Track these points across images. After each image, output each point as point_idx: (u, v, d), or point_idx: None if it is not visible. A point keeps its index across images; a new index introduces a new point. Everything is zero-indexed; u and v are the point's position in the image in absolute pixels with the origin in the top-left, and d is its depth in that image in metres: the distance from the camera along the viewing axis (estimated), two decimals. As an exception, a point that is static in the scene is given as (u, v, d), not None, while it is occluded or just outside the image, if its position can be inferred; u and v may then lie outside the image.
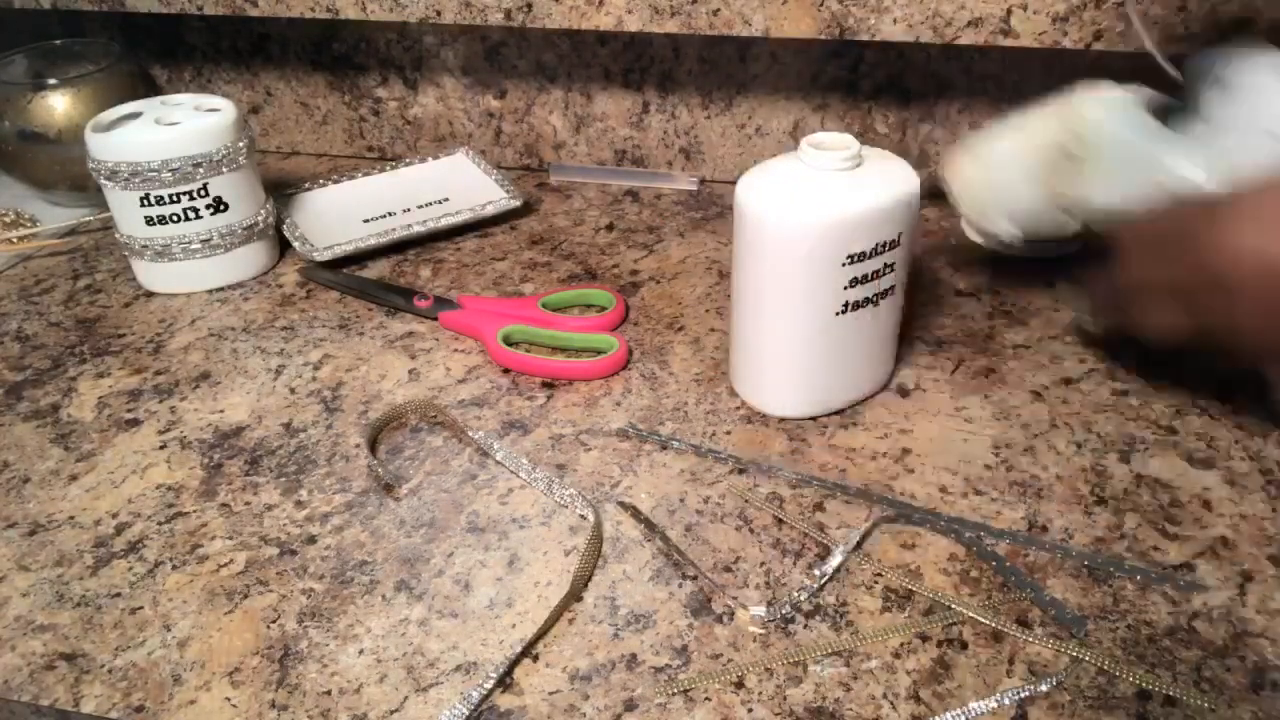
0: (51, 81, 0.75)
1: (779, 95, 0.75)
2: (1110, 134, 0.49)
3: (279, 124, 0.88)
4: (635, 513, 0.48)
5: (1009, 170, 0.54)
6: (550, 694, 0.40)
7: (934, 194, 0.61)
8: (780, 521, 0.47)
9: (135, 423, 0.56)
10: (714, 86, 0.77)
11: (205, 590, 0.45)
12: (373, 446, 0.53)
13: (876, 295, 0.50)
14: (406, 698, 0.40)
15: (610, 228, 0.74)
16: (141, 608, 0.44)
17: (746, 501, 0.49)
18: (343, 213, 0.75)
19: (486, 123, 0.83)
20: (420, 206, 0.75)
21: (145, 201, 0.64)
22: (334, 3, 0.72)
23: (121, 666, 0.42)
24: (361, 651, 0.42)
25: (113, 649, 0.42)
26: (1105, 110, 0.50)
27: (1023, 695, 0.39)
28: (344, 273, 0.69)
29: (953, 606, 0.42)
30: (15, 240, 0.74)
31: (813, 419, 0.54)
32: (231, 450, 0.54)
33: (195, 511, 0.50)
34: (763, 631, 0.42)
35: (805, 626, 0.42)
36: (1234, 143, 0.47)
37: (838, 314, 0.49)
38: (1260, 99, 0.47)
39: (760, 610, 0.42)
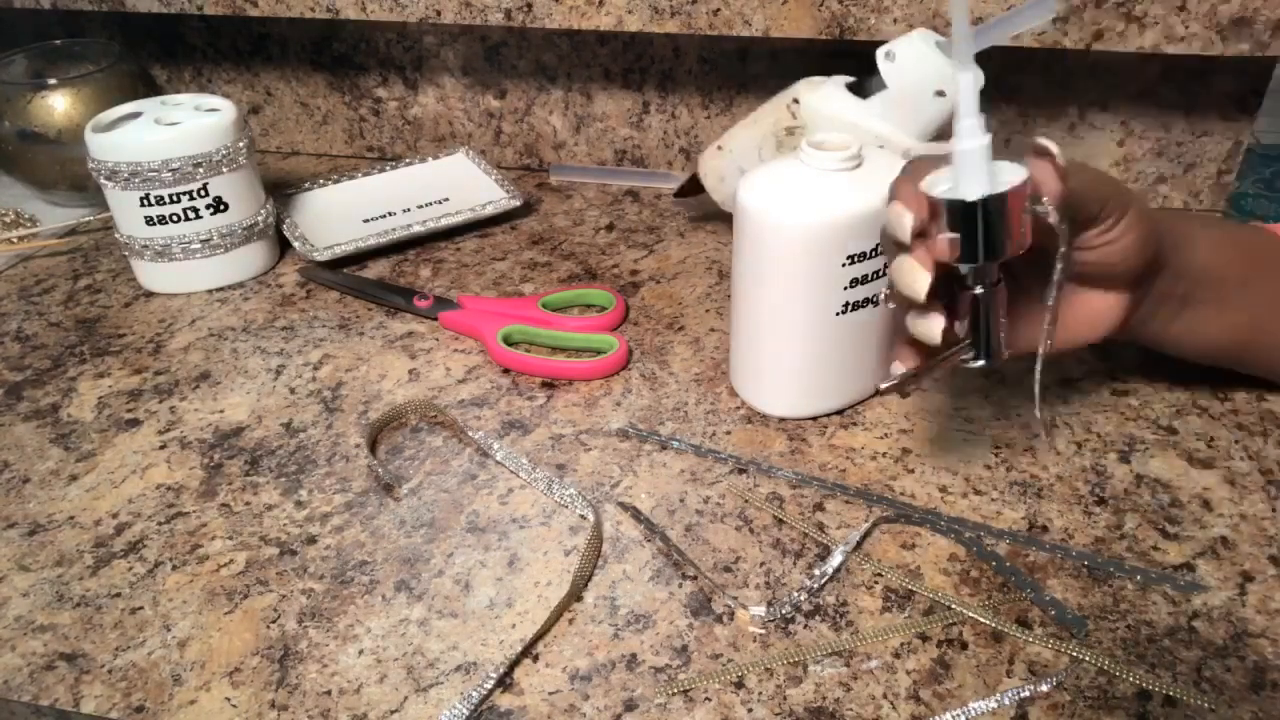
0: (51, 81, 0.75)
1: (779, 95, 0.75)
2: (820, 110, 0.61)
3: (279, 124, 0.88)
4: (635, 513, 0.48)
5: (747, 153, 0.65)
6: (550, 694, 0.40)
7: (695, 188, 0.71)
8: (780, 521, 0.47)
9: (135, 423, 0.56)
10: (714, 86, 0.77)
11: (205, 590, 0.45)
12: (373, 446, 0.53)
13: (876, 295, 0.50)
14: (406, 698, 0.40)
15: (610, 228, 0.74)
16: (141, 608, 0.44)
17: (746, 501, 0.49)
18: (343, 213, 0.75)
19: (486, 123, 0.83)
20: (420, 206, 0.75)
21: (145, 201, 0.64)
22: (334, 3, 0.72)
23: (121, 666, 0.42)
24: (361, 651, 0.42)
25: (113, 649, 0.42)
26: (815, 93, 0.61)
27: (1023, 695, 0.39)
28: (344, 273, 0.69)
29: (953, 606, 0.42)
30: (15, 240, 0.74)
31: (813, 419, 0.54)
32: (231, 450, 0.54)
33: (195, 511, 0.50)
34: (763, 631, 0.42)
35: (805, 626, 0.42)
36: (912, 103, 0.58)
37: (838, 314, 0.50)
38: (923, 65, 0.57)
39: (760, 610, 0.42)
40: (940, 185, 0.40)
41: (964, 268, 0.40)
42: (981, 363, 0.41)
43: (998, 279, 0.40)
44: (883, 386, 0.43)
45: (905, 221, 0.39)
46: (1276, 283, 0.48)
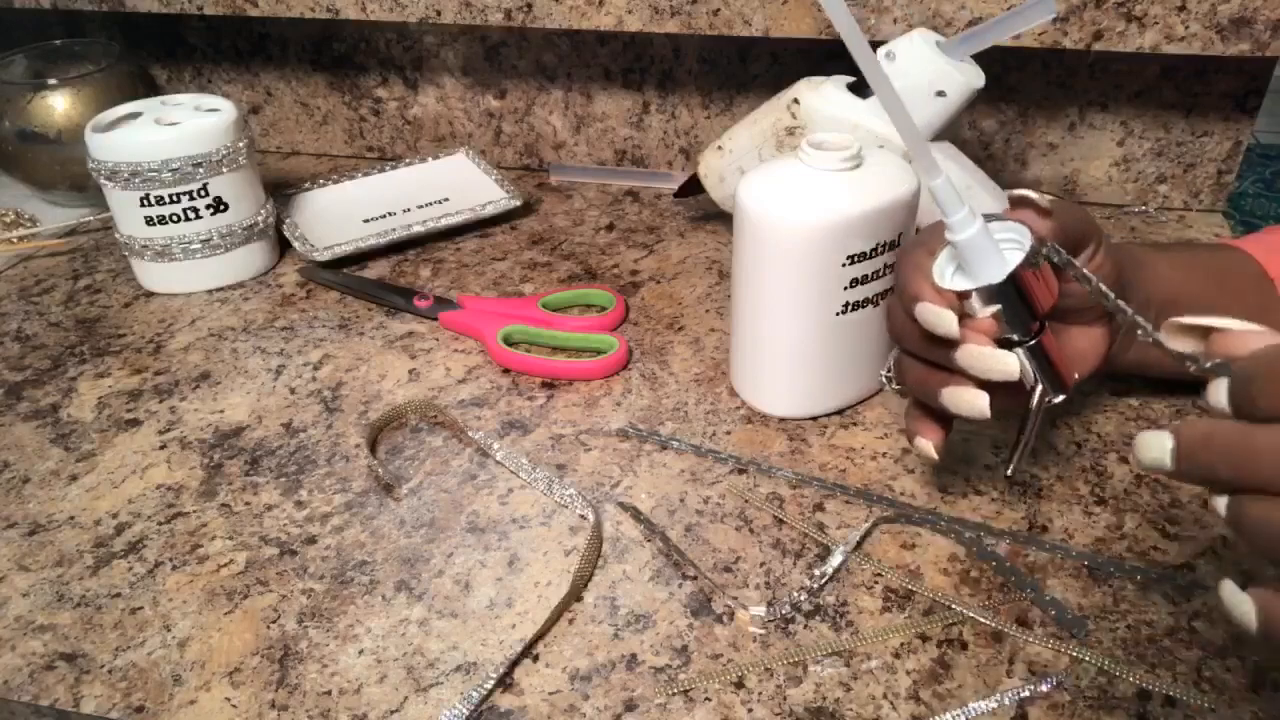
0: (51, 81, 0.75)
1: (779, 95, 0.75)
2: (820, 110, 0.61)
3: (279, 124, 0.88)
4: (635, 513, 0.48)
5: (747, 153, 0.66)
6: (550, 694, 0.40)
7: (694, 188, 0.71)
8: (780, 521, 0.47)
9: (135, 423, 0.56)
10: (714, 86, 0.77)
11: (205, 590, 0.45)
12: (373, 446, 0.53)
13: (876, 295, 0.50)
14: (406, 698, 0.40)
15: (610, 228, 0.74)
16: (141, 608, 0.44)
17: (746, 501, 0.49)
18: (343, 213, 0.75)
19: (486, 123, 0.83)
20: (420, 206, 0.75)
21: (145, 201, 0.64)
22: (334, 3, 0.72)
23: (121, 666, 0.42)
24: (361, 651, 0.42)
25: (113, 649, 0.42)
26: (815, 93, 0.61)
27: (1023, 695, 0.39)
28: (344, 273, 0.69)
29: (953, 606, 0.42)
30: (15, 240, 0.74)
31: (813, 419, 0.54)
32: (231, 450, 0.54)
33: (195, 511, 0.50)
34: (763, 631, 0.42)
35: (805, 626, 0.42)
36: (912, 103, 0.56)
37: (838, 314, 0.50)
38: (922, 65, 0.57)
39: (760, 610, 0.42)
40: (948, 269, 0.41)
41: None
42: (1061, 398, 0.42)
43: (1040, 325, 0.41)
44: (1009, 471, 0.43)
45: (948, 319, 0.39)
46: (1242, 299, 0.48)
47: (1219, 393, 0.30)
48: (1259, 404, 0.29)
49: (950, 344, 0.40)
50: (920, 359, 0.42)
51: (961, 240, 0.38)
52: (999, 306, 0.39)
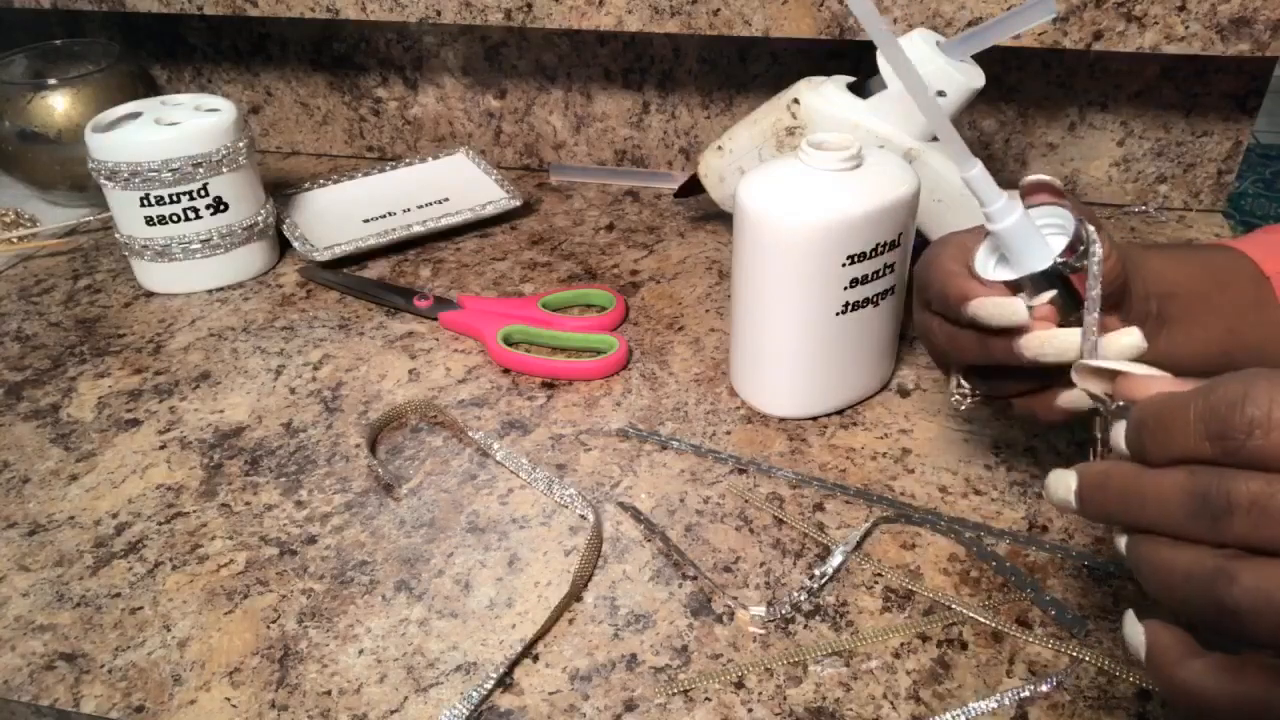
0: (51, 81, 0.75)
1: (779, 95, 0.75)
2: (820, 110, 0.60)
3: (279, 124, 0.88)
4: (635, 513, 0.48)
5: (747, 153, 0.66)
6: (550, 694, 0.40)
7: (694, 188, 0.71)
8: (780, 521, 0.47)
9: (135, 423, 0.56)
10: (714, 86, 0.77)
11: (205, 590, 0.45)
12: (373, 446, 0.53)
13: (876, 295, 0.50)
14: (406, 698, 0.40)
15: (610, 228, 0.74)
16: (141, 608, 0.44)
17: (746, 501, 0.49)
18: (343, 213, 0.75)
19: (486, 123, 0.83)
20: (420, 206, 0.75)
21: (145, 201, 0.64)
22: (334, 3, 0.72)
23: (121, 666, 0.42)
24: (361, 651, 0.42)
25: (113, 649, 0.42)
26: (815, 93, 0.61)
27: (1023, 695, 0.39)
28: (344, 273, 0.69)
29: (953, 606, 0.42)
30: (15, 240, 0.74)
31: (813, 419, 0.54)
32: (231, 450, 0.54)
33: (195, 511, 0.50)
34: (763, 631, 0.42)
35: (805, 626, 0.42)
36: (912, 103, 0.57)
37: (838, 314, 0.50)
38: (923, 65, 0.56)
39: (760, 610, 0.42)
40: (990, 262, 0.40)
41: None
42: None
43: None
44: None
45: (1013, 306, 0.38)
46: (1238, 293, 0.49)
47: (1118, 435, 0.31)
48: (1147, 448, 0.30)
49: (1014, 334, 0.38)
50: (989, 366, 0.41)
51: (1003, 228, 0.38)
52: (1054, 293, 0.38)
